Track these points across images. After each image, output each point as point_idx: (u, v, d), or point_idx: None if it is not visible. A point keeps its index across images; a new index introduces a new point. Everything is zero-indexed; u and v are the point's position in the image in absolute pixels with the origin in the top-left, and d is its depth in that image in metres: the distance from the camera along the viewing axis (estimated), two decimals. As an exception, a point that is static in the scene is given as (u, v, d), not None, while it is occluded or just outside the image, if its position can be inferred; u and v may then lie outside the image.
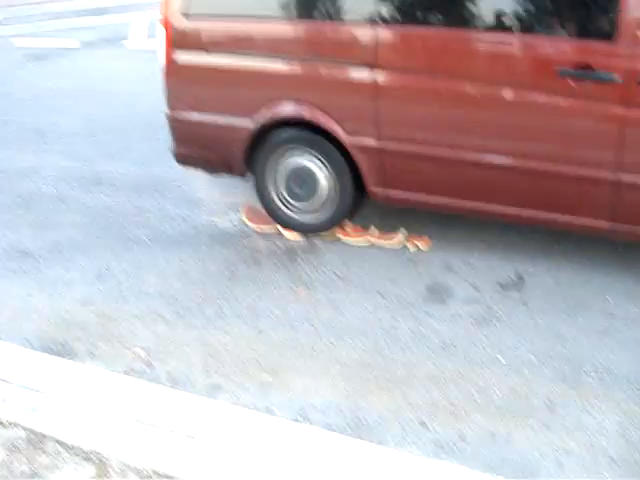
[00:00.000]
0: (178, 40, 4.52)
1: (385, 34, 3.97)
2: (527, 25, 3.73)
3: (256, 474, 2.74)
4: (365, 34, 4.00)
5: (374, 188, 4.30)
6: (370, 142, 4.15)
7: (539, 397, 3.18)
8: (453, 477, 2.72)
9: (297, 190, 4.55)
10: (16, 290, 4.19)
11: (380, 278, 4.12)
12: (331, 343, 3.60)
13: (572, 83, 3.60)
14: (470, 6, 3.80)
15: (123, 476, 2.73)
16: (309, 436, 2.96)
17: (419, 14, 3.98)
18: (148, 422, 3.01)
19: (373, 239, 4.49)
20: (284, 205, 4.63)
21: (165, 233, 4.75)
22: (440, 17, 3.93)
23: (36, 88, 8.23)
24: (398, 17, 3.96)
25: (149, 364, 3.50)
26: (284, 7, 4.24)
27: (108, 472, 2.75)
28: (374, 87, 4.02)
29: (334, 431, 3.01)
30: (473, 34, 3.83)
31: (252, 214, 4.84)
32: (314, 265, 4.29)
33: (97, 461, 2.82)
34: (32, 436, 2.97)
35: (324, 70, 4.17)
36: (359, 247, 4.46)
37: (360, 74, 4.05)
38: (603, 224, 3.84)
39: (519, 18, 3.71)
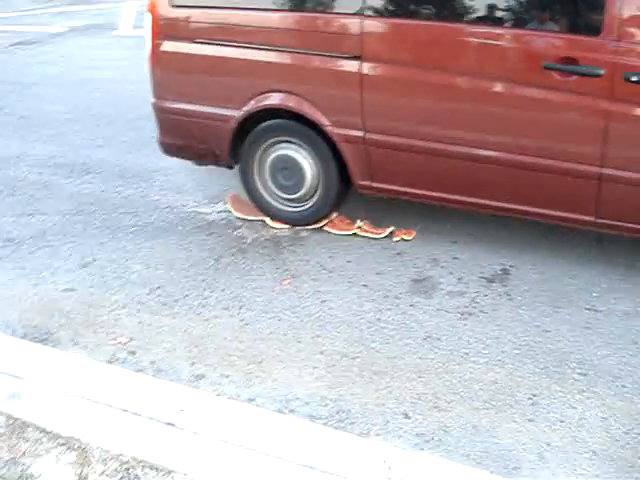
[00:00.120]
0: (165, 29, 4.50)
1: (371, 26, 3.96)
2: (514, 19, 3.76)
3: (237, 464, 2.73)
4: (351, 26, 3.99)
5: (360, 180, 4.30)
6: (356, 133, 4.15)
7: (522, 390, 3.18)
8: (435, 469, 2.72)
9: (283, 181, 4.54)
10: (-1, 277, 4.17)
11: (366, 270, 4.12)
12: (315, 334, 3.59)
13: (557, 77, 3.61)
14: (457, -1, 3.82)
15: (104, 463, 2.72)
16: (292, 427, 2.95)
17: (405, 6, 3.99)
18: (130, 410, 2.99)
19: (359, 231, 4.48)
20: (270, 196, 4.62)
21: (150, 222, 4.73)
22: (427, 10, 3.94)
23: (22, 74, 8.18)
24: (384, 9, 3.96)
25: (132, 353, 3.48)
26: (271, -3, 4.24)
27: (89, 459, 2.74)
28: (360, 78, 4.02)
29: (317, 422, 3.01)
30: (459, 27, 3.83)
31: (237, 204, 4.82)
32: (300, 256, 4.28)
33: (78, 448, 2.80)
34: (12, 422, 2.95)
35: (310, 61, 4.16)
36: (345, 238, 4.46)
37: (346, 65, 4.04)
38: (589, 218, 3.85)
39: (506, 12, 3.72)
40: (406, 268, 4.13)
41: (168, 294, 3.94)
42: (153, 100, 4.69)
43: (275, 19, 4.26)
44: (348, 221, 4.57)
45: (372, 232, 4.46)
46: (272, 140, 4.46)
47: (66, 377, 3.24)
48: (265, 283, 4.03)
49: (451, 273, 4.06)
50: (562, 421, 3.01)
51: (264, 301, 3.86)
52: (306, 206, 4.53)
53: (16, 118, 6.73)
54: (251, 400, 3.15)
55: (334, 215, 4.59)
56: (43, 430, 2.91)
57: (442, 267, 4.12)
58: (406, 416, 3.05)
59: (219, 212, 4.82)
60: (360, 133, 4.14)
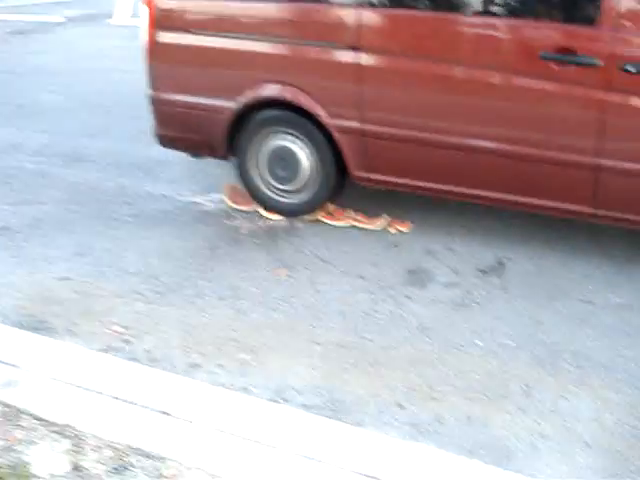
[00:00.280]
0: (161, 20, 4.48)
1: (369, 16, 3.96)
2: (511, 9, 3.75)
3: (231, 452, 2.74)
4: (349, 16, 3.98)
5: (356, 171, 4.30)
6: (353, 124, 4.15)
7: (516, 381, 3.19)
8: (429, 459, 2.73)
9: (279, 172, 4.54)
10: (-6, 265, 4.17)
11: (361, 261, 4.12)
12: (310, 324, 3.60)
13: (554, 67, 3.61)
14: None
15: (98, 451, 2.73)
16: (286, 416, 2.96)
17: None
18: (124, 399, 2.99)
19: (355, 222, 4.49)
20: (266, 187, 4.62)
21: (146, 211, 4.73)
22: (424, 0, 3.93)
23: (18, 64, 8.16)
24: (382, 0, 3.95)
25: (127, 342, 3.48)
26: (269, -12, 4.22)
27: (83, 447, 2.74)
28: (357, 69, 4.01)
29: (311, 412, 3.01)
30: (457, 17, 3.84)
31: (233, 194, 4.82)
32: (295, 246, 4.29)
33: (72, 436, 2.80)
34: (7, 410, 2.95)
35: (307, 52, 4.16)
36: (341, 229, 4.46)
37: (343, 56, 4.04)
38: (586, 209, 3.86)
39: (503, 2, 3.71)
40: (401, 259, 4.13)
41: (163, 284, 3.95)
42: (149, 92, 4.68)
43: (271, 9, 4.25)
44: (344, 212, 4.58)
45: (368, 223, 4.46)
46: (268, 131, 4.45)
47: (61, 366, 3.24)
48: (260, 273, 4.03)
49: (446, 264, 4.07)
50: (555, 412, 3.02)
51: (259, 291, 3.87)
52: (302, 197, 4.53)
53: (12, 107, 6.72)
54: (245, 389, 3.16)
55: (330, 206, 4.59)
56: (38, 418, 2.91)
57: (437, 258, 4.13)
58: (400, 406, 3.06)
59: (215, 202, 4.81)
60: (357, 124, 4.14)
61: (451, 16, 3.84)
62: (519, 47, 3.73)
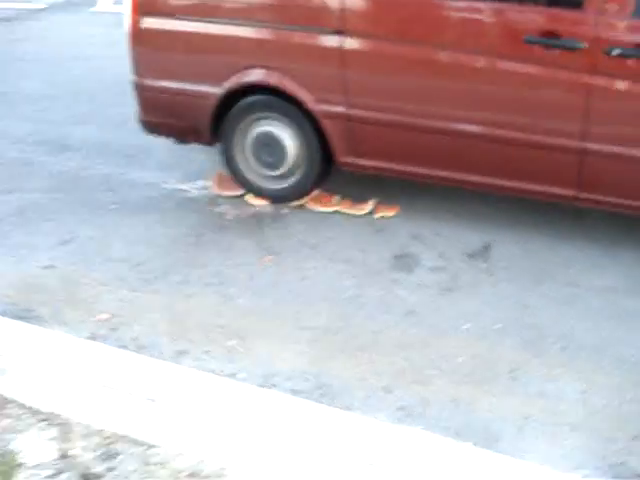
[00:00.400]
0: (144, 5, 4.44)
1: (353, 1, 3.93)
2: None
3: (220, 438, 2.74)
4: (333, 0, 3.96)
5: (342, 156, 4.29)
6: (338, 109, 4.13)
7: (503, 365, 3.21)
8: (416, 442, 2.74)
9: (265, 158, 4.52)
10: (-21, 254, 4.14)
11: (347, 246, 4.12)
12: (297, 310, 3.60)
13: (539, 51, 3.61)
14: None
15: (85, 438, 2.72)
16: (274, 401, 2.96)
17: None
18: (112, 386, 2.99)
19: (341, 208, 4.48)
20: (251, 173, 4.60)
21: (131, 199, 4.71)
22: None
23: (0, 51, 8.07)
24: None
25: (114, 329, 3.47)
26: (253, -28, 4.19)
27: (70, 435, 2.73)
28: (342, 54, 4.00)
29: (299, 396, 3.02)
30: (441, 1, 3.83)
31: (220, 180, 4.79)
32: (281, 232, 4.28)
33: (59, 424, 2.79)
34: (-6, 399, 2.94)
35: (292, 36, 4.13)
36: (327, 215, 4.45)
37: (328, 41, 4.02)
38: (570, 192, 3.87)
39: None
40: (387, 244, 4.13)
41: (149, 271, 3.93)
42: (133, 78, 4.64)
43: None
44: (330, 198, 4.57)
45: (354, 209, 4.46)
46: (253, 117, 4.43)
47: (47, 354, 3.23)
48: (246, 259, 4.03)
49: (432, 249, 4.07)
50: (542, 394, 3.04)
51: (245, 277, 3.86)
52: (288, 183, 4.52)
53: (-5, 95, 6.65)
54: (233, 375, 3.16)
55: (316, 192, 4.58)
56: (24, 406, 2.89)
57: (424, 243, 4.13)
58: (387, 390, 3.07)
59: (200, 189, 4.79)
60: (342, 109, 4.12)
61: (436, 0, 3.83)
62: (503, 31, 3.73)
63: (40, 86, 6.82)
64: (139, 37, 4.50)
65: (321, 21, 4.02)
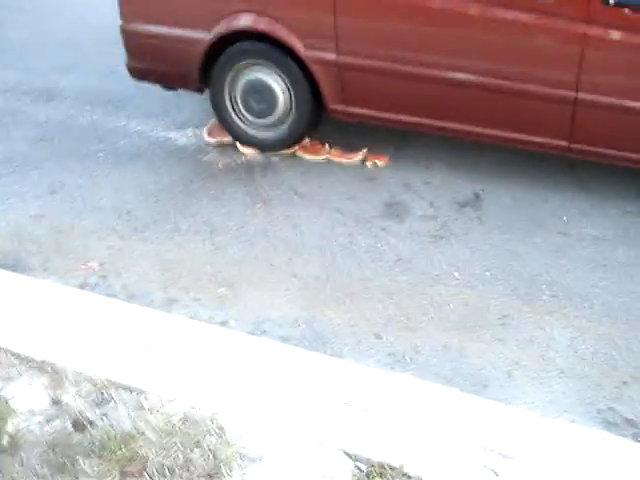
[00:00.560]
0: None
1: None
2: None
3: (211, 385, 2.75)
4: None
5: (333, 104, 4.24)
6: (329, 56, 4.08)
7: (493, 312, 3.23)
8: (407, 388, 2.76)
9: (255, 105, 4.46)
10: (-33, 204, 4.11)
11: (338, 195, 4.10)
12: (288, 258, 3.60)
13: (535, -1, 3.57)
14: None
15: (77, 385, 2.72)
16: (265, 348, 2.97)
17: None
18: (103, 334, 2.99)
19: (331, 156, 4.45)
20: (241, 120, 4.55)
21: (120, 148, 4.65)
22: None
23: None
24: None
25: (104, 278, 3.47)
26: None
27: (62, 382, 2.74)
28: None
29: (290, 343, 3.03)
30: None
31: (213, 128, 4.73)
32: (272, 181, 4.25)
33: (51, 371, 2.80)
34: (-16, 347, 2.94)
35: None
36: (317, 164, 4.42)
37: (319, -14, 3.96)
38: (562, 143, 3.86)
39: None
40: (378, 193, 4.12)
41: (138, 219, 3.91)
42: (120, 23, 4.55)
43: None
44: (320, 146, 4.53)
45: (344, 157, 4.43)
46: (243, 63, 4.36)
47: (37, 303, 3.22)
48: (236, 208, 4.01)
49: (423, 198, 4.06)
50: (531, 341, 3.07)
51: (235, 226, 3.85)
52: (278, 131, 4.47)
53: (-21, 44, 6.54)
54: (224, 323, 3.17)
55: (306, 140, 4.55)
56: (15, 354, 2.89)
57: (414, 192, 4.12)
58: (377, 336, 3.09)
59: (189, 137, 4.74)
60: (333, 56, 4.07)
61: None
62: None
63: (25, 35, 6.70)
64: (126, -19, 4.41)
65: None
